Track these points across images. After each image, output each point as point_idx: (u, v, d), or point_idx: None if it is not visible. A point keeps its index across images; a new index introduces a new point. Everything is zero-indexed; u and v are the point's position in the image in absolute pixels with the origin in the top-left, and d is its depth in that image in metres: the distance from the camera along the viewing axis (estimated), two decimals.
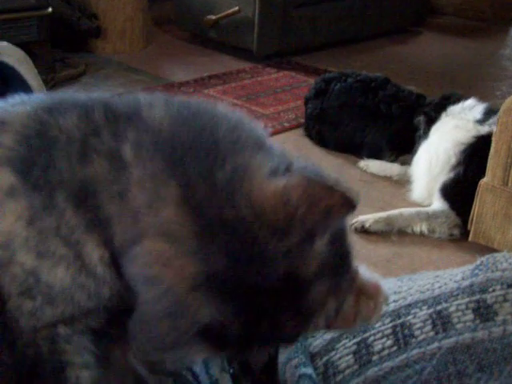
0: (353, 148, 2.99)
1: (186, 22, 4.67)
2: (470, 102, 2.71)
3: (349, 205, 0.56)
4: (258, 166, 0.58)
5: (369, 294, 0.69)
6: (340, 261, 0.60)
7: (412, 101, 2.93)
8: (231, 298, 0.54)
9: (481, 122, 2.58)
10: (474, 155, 2.47)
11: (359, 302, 0.68)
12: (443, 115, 2.71)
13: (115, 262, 0.57)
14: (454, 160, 2.53)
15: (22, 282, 0.56)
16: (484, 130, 2.51)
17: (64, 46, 4.15)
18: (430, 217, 2.51)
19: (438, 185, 2.57)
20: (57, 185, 0.57)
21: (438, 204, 2.56)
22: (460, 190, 2.52)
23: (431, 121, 2.75)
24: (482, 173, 2.31)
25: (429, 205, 2.60)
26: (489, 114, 2.59)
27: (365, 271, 0.69)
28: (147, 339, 0.55)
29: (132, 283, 0.56)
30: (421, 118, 2.80)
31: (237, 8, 4.19)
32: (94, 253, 0.57)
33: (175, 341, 0.54)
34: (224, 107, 0.65)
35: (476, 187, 2.32)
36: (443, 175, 2.56)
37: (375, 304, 0.69)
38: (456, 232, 2.50)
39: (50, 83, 3.51)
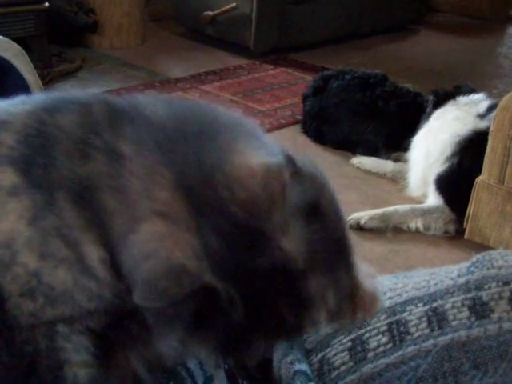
0: (350, 145, 3.00)
1: (183, 18, 4.67)
2: (479, 96, 2.72)
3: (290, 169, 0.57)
4: (243, 151, 0.60)
5: (365, 306, 0.68)
6: (334, 250, 0.59)
7: (410, 98, 2.93)
8: (229, 278, 0.54)
9: (482, 116, 2.58)
10: (470, 148, 2.48)
11: (355, 310, 0.68)
12: (450, 103, 2.71)
13: (115, 264, 0.57)
14: (449, 151, 2.54)
15: (24, 284, 0.56)
16: (483, 124, 2.51)
17: (61, 40, 4.14)
18: (425, 213, 2.51)
19: (432, 176, 2.58)
20: (57, 183, 0.57)
21: (432, 199, 2.57)
22: (454, 183, 2.52)
23: (438, 103, 2.75)
24: (476, 167, 2.32)
25: (423, 201, 2.61)
26: (491, 109, 2.58)
27: (362, 270, 0.69)
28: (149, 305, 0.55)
29: (131, 278, 0.55)
30: (430, 97, 2.80)
31: (234, 4, 4.19)
32: (94, 254, 0.57)
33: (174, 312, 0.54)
34: (223, 107, 0.66)
35: (470, 182, 2.32)
36: (438, 166, 2.56)
37: (370, 315, 0.69)
38: (451, 228, 2.50)
39: (47, 78, 3.50)
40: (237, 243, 0.55)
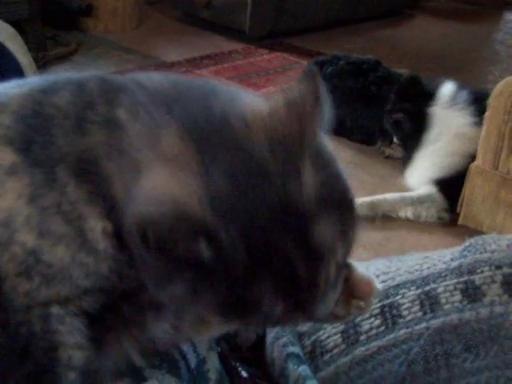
0: (345, 131, 2.98)
1: (178, 1, 4.65)
2: (449, 90, 2.67)
3: (315, 101, 0.57)
4: (249, 97, 0.62)
5: (361, 295, 0.68)
6: (341, 202, 0.59)
7: (402, 83, 2.92)
8: (236, 220, 0.53)
9: (478, 124, 2.55)
10: None
11: (351, 304, 0.68)
12: (431, 117, 2.65)
13: (118, 234, 0.57)
14: (460, 167, 2.50)
15: (22, 262, 0.56)
16: None
17: (55, 24, 4.12)
18: (414, 202, 2.50)
19: (435, 177, 2.57)
20: (57, 160, 0.57)
21: (424, 188, 2.56)
22: (454, 179, 2.51)
23: (414, 121, 2.71)
24: None
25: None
26: (481, 110, 2.55)
27: (357, 267, 0.69)
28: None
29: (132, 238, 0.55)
30: (400, 117, 2.77)
31: None
32: (97, 226, 0.57)
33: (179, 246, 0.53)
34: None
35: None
36: (445, 174, 2.55)
37: (366, 304, 0.69)
38: (444, 215, 2.50)
39: (41, 61, 3.49)
40: (246, 184, 0.54)
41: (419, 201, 2.50)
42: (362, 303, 0.69)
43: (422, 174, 2.63)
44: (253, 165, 0.55)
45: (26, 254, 0.56)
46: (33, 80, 0.66)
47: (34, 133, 0.58)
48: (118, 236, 0.57)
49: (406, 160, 2.73)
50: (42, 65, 3.47)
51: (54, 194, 0.56)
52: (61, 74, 0.65)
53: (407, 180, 2.67)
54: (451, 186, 2.50)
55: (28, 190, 0.56)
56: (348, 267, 0.67)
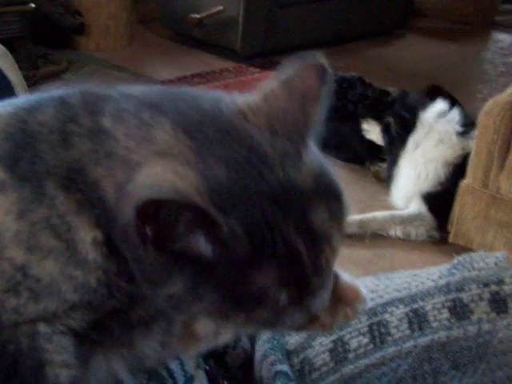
0: (331, 150, 2.95)
1: (170, 20, 4.67)
2: (441, 106, 2.70)
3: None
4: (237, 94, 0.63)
5: (347, 300, 0.68)
6: (333, 188, 0.59)
7: (376, 98, 2.93)
8: (236, 209, 0.53)
9: (463, 134, 2.58)
10: (463, 172, 2.42)
11: (337, 309, 0.67)
12: (418, 124, 2.69)
13: (109, 242, 0.57)
14: (443, 177, 2.54)
15: (10, 279, 0.56)
16: (469, 146, 2.46)
17: (46, 42, 4.12)
18: (404, 221, 2.51)
19: (421, 191, 2.58)
20: (44, 174, 0.57)
21: (414, 207, 2.57)
22: (441, 196, 2.53)
23: (404, 125, 2.74)
24: None
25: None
26: (468, 124, 2.58)
27: (343, 274, 0.68)
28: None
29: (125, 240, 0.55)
30: (390, 120, 2.79)
31: (221, 7, 4.19)
32: (87, 236, 0.57)
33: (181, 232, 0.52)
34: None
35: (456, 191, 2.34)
36: (429, 187, 2.56)
37: (352, 310, 0.68)
38: (434, 234, 2.51)
39: (32, 79, 3.49)
40: (245, 167, 0.54)
41: (409, 219, 2.51)
42: (348, 310, 0.68)
43: (406, 187, 2.65)
44: (251, 152, 0.55)
45: (14, 269, 0.56)
46: (18, 100, 0.67)
47: (21, 149, 0.58)
48: (109, 244, 0.57)
49: (390, 169, 2.75)
50: (33, 83, 3.47)
51: (42, 208, 0.56)
52: (46, 91, 0.65)
53: (393, 196, 2.70)
54: (438, 201, 2.52)
55: (16, 206, 0.56)
56: (334, 275, 0.66)
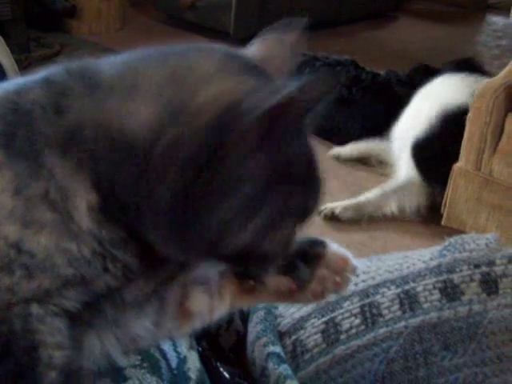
0: (325, 134, 2.94)
1: (162, 3, 4.64)
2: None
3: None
4: None
5: (336, 269, 0.69)
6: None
7: (369, 81, 2.94)
8: None
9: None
10: (457, 122, 2.37)
11: (326, 277, 0.68)
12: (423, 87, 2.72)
13: (103, 209, 0.57)
14: (434, 119, 2.51)
15: (4, 257, 0.56)
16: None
17: (39, 25, 4.10)
18: (396, 192, 2.50)
19: (410, 140, 2.56)
20: (42, 146, 0.57)
21: (404, 173, 2.56)
22: (430, 153, 2.51)
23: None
24: (458, 146, 2.31)
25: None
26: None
27: (332, 244, 0.70)
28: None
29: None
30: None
31: None
32: (82, 202, 0.57)
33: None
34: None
35: (447, 159, 2.34)
36: (419, 130, 2.54)
37: (342, 278, 0.69)
38: (423, 201, 2.49)
39: (24, 63, 3.47)
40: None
41: (400, 189, 2.50)
42: (337, 278, 0.69)
43: (404, 126, 2.67)
44: None
45: (8, 247, 0.56)
46: (3, 84, 0.67)
47: (14, 128, 0.58)
48: (104, 210, 0.57)
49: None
50: (25, 67, 3.45)
51: (40, 182, 0.56)
52: (29, 75, 0.66)
53: (393, 139, 2.72)
54: (428, 157, 2.51)
55: (12, 184, 0.56)
56: (323, 246, 0.69)
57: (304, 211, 0.60)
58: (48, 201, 0.56)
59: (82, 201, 0.57)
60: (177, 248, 0.59)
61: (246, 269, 0.63)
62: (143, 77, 0.60)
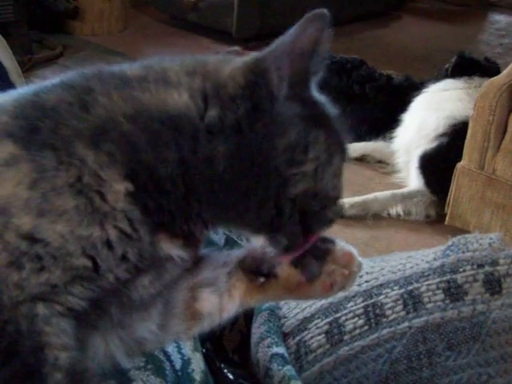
0: None
1: (165, 4, 4.64)
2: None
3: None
4: None
5: (343, 263, 0.70)
6: None
7: (384, 82, 2.94)
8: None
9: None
10: (462, 133, 2.38)
11: (335, 271, 0.70)
12: (463, 79, 2.74)
13: (136, 193, 0.60)
14: (441, 130, 2.53)
15: (14, 250, 0.56)
16: None
17: (41, 27, 4.10)
18: (405, 197, 2.51)
19: (418, 151, 2.57)
20: (72, 138, 0.59)
21: (413, 182, 2.57)
22: (438, 164, 2.51)
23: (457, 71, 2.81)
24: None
25: (405, 185, 2.62)
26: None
27: (338, 241, 0.71)
28: None
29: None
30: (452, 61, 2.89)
31: None
32: (120, 186, 0.59)
33: None
34: None
35: (454, 166, 2.34)
36: (426, 142, 2.55)
37: (349, 272, 0.71)
38: (432, 212, 2.51)
39: (27, 65, 3.47)
40: None
41: (409, 196, 2.51)
42: (345, 271, 0.71)
43: (408, 135, 2.68)
44: None
45: (19, 239, 0.56)
46: (20, 89, 0.69)
47: (38, 122, 0.59)
48: (135, 194, 0.60)
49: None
50: (28, 68, 3.46)
51: (71, 169, 0.58)
52: (45, 79, 0.67)
53: (396, 141, 2.73)
54: (433, 164, 2.52)
55: (29, 177, 0.57)
56: (332, 242, 0.71)
57: (342, 146, 0.68)
58: (76, 187, 0.58)
59: (118, 185, 0.59)
60: (241, 209, 0.63)
61: (306, 221, 0.66)
62: (170, 70, 0.68)
